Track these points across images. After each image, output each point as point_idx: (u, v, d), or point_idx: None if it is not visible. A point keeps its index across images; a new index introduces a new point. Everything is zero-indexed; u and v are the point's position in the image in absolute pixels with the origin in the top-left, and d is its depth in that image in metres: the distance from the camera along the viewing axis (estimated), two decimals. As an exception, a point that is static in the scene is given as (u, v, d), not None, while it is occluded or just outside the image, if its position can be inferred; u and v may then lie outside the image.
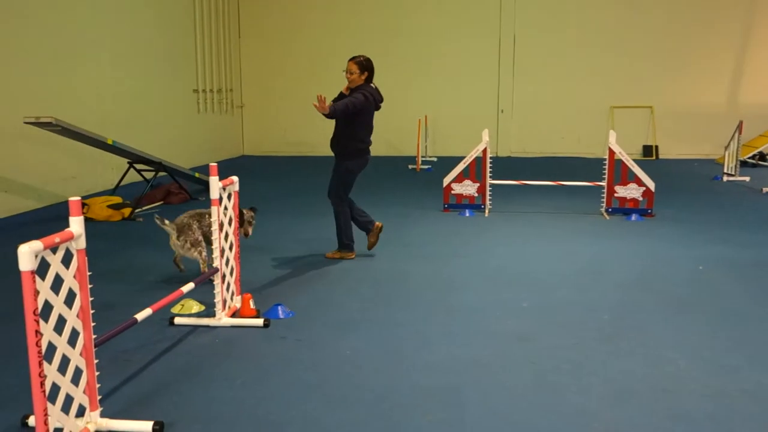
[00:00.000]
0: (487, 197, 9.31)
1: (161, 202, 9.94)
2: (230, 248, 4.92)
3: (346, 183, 6.58)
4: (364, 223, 6.79)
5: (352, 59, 6.43)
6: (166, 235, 7.97)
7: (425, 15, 17.09)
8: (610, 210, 9.02)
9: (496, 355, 4.26)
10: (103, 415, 3.29)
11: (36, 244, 2.60)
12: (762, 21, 16.22)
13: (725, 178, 12.44)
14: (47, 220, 8.72)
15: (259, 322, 4.78)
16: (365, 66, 6.43)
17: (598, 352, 4.30)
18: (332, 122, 6.51)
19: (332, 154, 6.61)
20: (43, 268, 2.66)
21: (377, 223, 6.85)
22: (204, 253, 5.74)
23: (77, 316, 3.00)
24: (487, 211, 9.25)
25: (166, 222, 5.72)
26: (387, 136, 17.38)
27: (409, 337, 4.60)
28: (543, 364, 4.12)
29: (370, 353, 4.31)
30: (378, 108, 6.57)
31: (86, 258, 3.05)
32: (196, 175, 10.69)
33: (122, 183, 10.00)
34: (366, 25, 17.27)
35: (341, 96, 6.50)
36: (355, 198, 6.77)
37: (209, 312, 5.04)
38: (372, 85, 6.49)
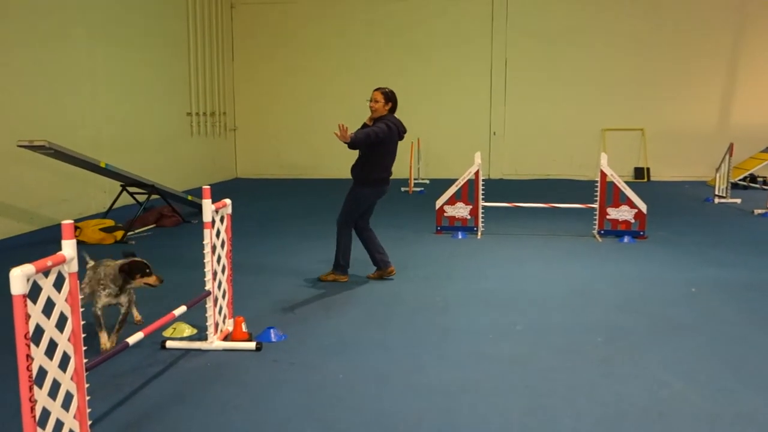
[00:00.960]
0: (480, 219, 9.32)
1: (154, 225, 9.91)
2: (222, 271, 4.91)
3: (355, 208, 6.57)
4: (380, 260, 6.78)
5: (377, 89, 6.48)
6: (159, 259, 7.96)
7: (417, 39, 17.22)
8: (602, 232, 9.04)
9: (489, 378, 4.24)
10: (93, 440, 3.25)
11: (28, 268, 2.59)
12: (751, 44, 16.42)
13: (716, 200, 12.50)
14: (39, 243, 8.68)
15: (251, 345, 4.75)
16: (390, 97, 6.47)
17: (592, 375, 4.29)
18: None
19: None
20: (34, 292, 2.64)
21: (392, 267, 6.84)
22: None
23: (68, 339, 2.98)
24: (479, 233, 9.26)
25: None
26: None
27: (402, 360, 4.58)
28: (537, 387, 4.11)
29: (363, 376, 4.29)
30: (401, 138, 6.59)
31: (78, 281, 3.03)
32: (189, 197, 10.68)
33: (115, 206, 9.97)
34: (358, 49, 17.40)
35: (364, 127, 6.51)
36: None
37: (201, 335, 5.01)
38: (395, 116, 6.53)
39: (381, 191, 6.63)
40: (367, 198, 6.58)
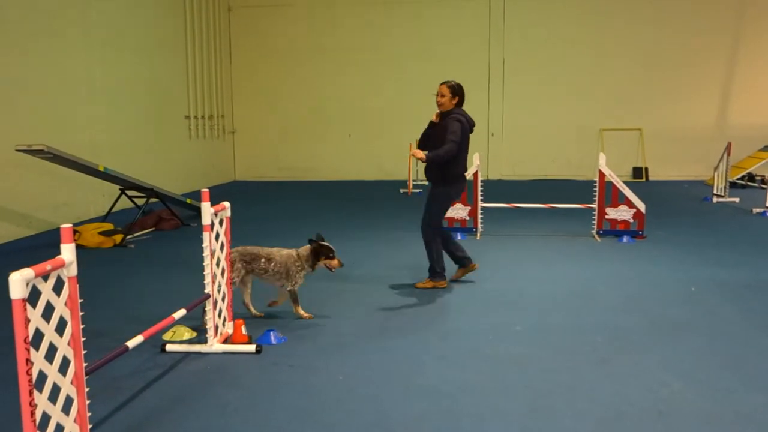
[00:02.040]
0: (479, 220, 9.32)
1: (153, 229, 9.91)
2: (222, 274, 4.91)
3: (442, 208, 6.51)
4: (461, 258, 6.73)
5: (444, 83, 6.41)
6: (158, 262, 7.97)
7: (414, 40, 17.24)
8: (601, 232, 9.05)
9: (489, 379, 4.25)
10: (93, 444, 3.24)
11: (27, 272, 2.58)
12: (749, 44, 16.45)
13: (715, 200, 12.51)
14: (39, 247, 8.67)
15: (251, 348, 4.75)
16: (456, 91, 6.38)
17: (591, 376, 4.29)
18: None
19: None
20: (34, 296, 2.64)
21: (475, 264, 6.79)
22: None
23: (68, 343, 2.98)
24: (478, 234, 9.26)
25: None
26: (378, 161, 17.46)
27: (402, 361, 4.58)
28: (537, 387, 4.11)
29: (363, 378, 4.29)
30: (471, 131, 6.51)
31: (77, 285, 3.03)
32: (188, 201, 10.67)
33: (114, 210, 9.97)
34: (355, 51, 17.41)
35: (431, 126, 6.48)
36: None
37: (201, 338, 5.01)
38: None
39: (461, 188, 6.56)
40: (451, 197, 6.50)
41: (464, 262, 6.76)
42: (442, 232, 6.60)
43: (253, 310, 5.64)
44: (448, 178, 6.39)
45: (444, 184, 6.42)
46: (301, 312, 5.52)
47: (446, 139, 6.16)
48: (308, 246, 5.48)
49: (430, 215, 6.48)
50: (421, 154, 6.16)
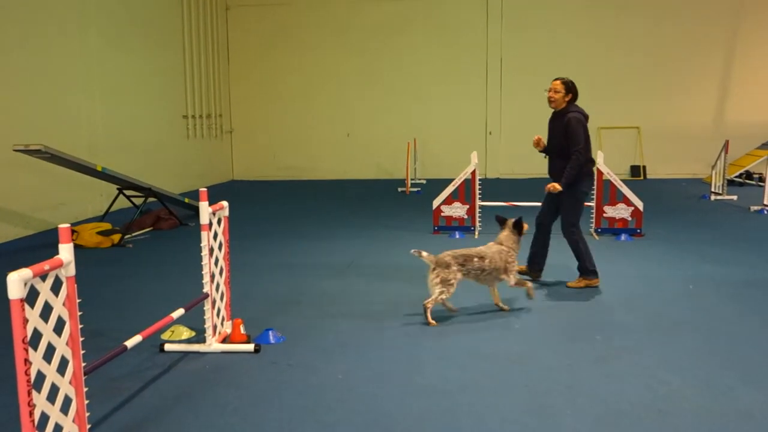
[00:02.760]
0: (477, 219, 9.32)
1: (151, 228, 9.90)
2: (220, 273, 4.90)
3: (579, 208, 6.43)
4: (537, 264, 6.72)
5: (557, 79, 6.29)
6: (156, 262, 7.96)
7: (412, 39, 17.24)
8: (599, 230, 9.05)
9: (489, 378, 4.24)
10: (92, 444, 3.24)
11: (25, 272, 2.58)
12: (746, 41, 16.46)
13: (713, 197, 12.52)
14: (36, 247, 8.66)
15: (250, 347, 4.74)
16: (570, 87, 6.30)
17: (591, 374, 4.29)
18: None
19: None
20: (32, 296, 2.64)
21: (539, 276, 6.75)
22: (444, 296, 5.35)
23: (67, 343, 2.97)
24: (476, 233, 9.26)
25: (424, 254, 5.40)
26: (377, 160, 17.46)
27: (401, 360, 4.58)
28: (536, 386, 4.11)
29: (362, 377, 4.29)
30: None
31: (76, 285, 3.02)
32: (186, 200, 10.66)
33: (112, 209, 9.96)
34: (355, 50, 17.41)
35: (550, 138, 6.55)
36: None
37: (199, 338, 5.00)
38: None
39: (591, 182, 6.52)
40: (584, 193, 6.42)
41: (534, 267, 6.74)
42: (580, 231, 6.47)
43: (450, 306, 5.59)
44: (579, 175, 6.29)
45: (577, 182, 6.30)
46: (530, 292, 5.67)
47: (570, 148, 6.19)
48: (507, 231, 5.70)
49: (568, 219, 6.41)
50: (558, 186, 6.19)
